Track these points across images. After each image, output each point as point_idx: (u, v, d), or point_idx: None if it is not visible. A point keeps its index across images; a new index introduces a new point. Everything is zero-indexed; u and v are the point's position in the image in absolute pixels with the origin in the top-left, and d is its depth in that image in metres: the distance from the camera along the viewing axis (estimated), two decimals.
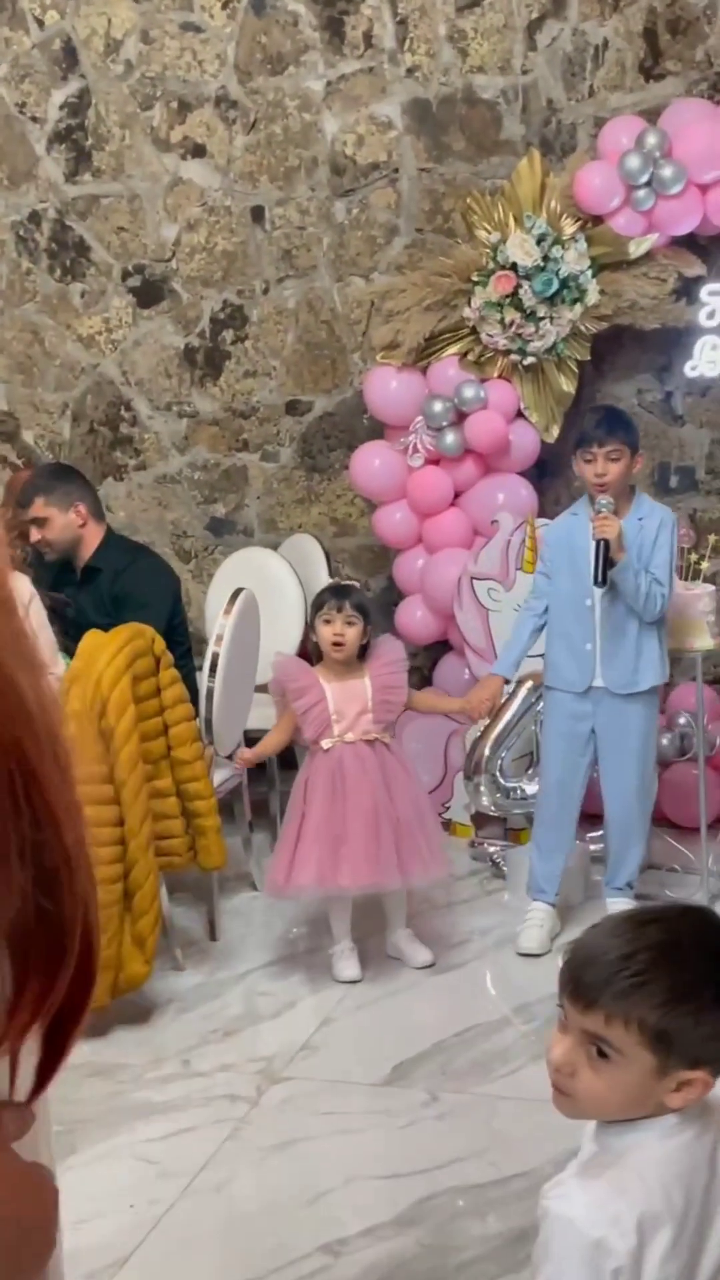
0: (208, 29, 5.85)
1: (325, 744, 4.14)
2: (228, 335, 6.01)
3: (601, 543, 4.10)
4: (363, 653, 4.23)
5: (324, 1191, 3.08)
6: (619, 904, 4.39)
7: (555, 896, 4.48)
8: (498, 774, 4.91)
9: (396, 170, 5.76)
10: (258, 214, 5.91)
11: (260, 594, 4.76)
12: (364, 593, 4.53)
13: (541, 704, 4.67)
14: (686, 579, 4.70)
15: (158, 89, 5.94)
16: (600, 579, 4.13)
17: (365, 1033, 3.89)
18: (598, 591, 4.24)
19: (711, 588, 4.70)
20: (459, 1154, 3.22)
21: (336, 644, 4.16)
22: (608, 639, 4.31)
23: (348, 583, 4.61)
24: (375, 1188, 3.10)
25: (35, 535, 4.56)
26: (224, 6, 5.81)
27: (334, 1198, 3.06)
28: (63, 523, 4.60)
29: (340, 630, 4.15)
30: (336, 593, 4.26)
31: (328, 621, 4.19)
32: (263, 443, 6.03)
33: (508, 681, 4.54)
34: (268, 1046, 3.78)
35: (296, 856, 4.08)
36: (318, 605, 4.27)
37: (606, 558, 4.10)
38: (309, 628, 4.44)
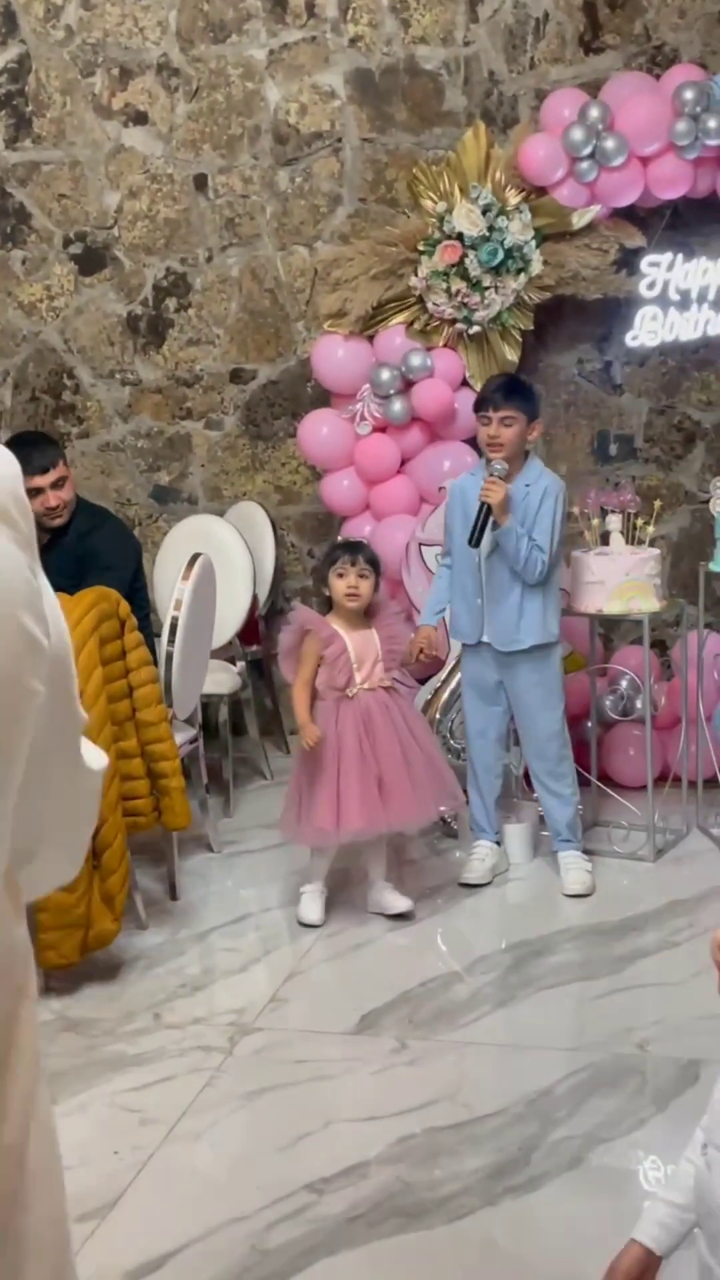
0: None
1: (351, 691, 4.27)
2: (171, 303, 6.05)
3: (484, 505, 4.30)
4: (369, 608, 4.38)
5: (304, 1134, 3.18)
6: (569, 856, 4.55)
7: (495, 835, 4.70)
8: (448, 735, 5.04)
9: (339, 140, 5.83)
10: (200, 182, 5.95)
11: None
12: (373, 549, 4.63)
13: None
14: (632, 543, 4.83)
15: (99, 55, 5.95)
16: (474, 540, 4.34)
17: (331, 985, 4.00)
18: (487, 546, 4.41)
19: (656, 551, 4.85)
20: (432, 1097, 3.33)
21: (351, 594, 4.32)
22: (492, 596, 4.48)
23: (359, 539, 4.72)
24: (354, 1130, 3.20)
25: (55, 499, 4.57)
26: None
27: (314, 1140, 3.15)
28: (70, 483, 4.67)
29: (354, 583, 4.32)
30: (349, 548, 4.45)
31: (341, 575, 4.35)
32: (206, 411, 6.08)
33: (433, 628, 4.66)
34: (237, 1000, 3.87)
35: (342, 801, 4.19)
36: (331, 559, 4.44)
37: (487, 520, 4.31)
38: (322, 582, 4.58)
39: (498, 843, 4.72)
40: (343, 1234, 2.81)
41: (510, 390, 4.46)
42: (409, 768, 4.28)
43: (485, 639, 4.54)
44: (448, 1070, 3.47)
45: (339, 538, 5.10)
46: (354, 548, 4.44)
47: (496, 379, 4.68)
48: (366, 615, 4.41)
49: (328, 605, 4.52)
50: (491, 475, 4.34)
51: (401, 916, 4.35)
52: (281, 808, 4.45)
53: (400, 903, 4.37)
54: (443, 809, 4.53)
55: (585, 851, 4.67)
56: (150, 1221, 2.87)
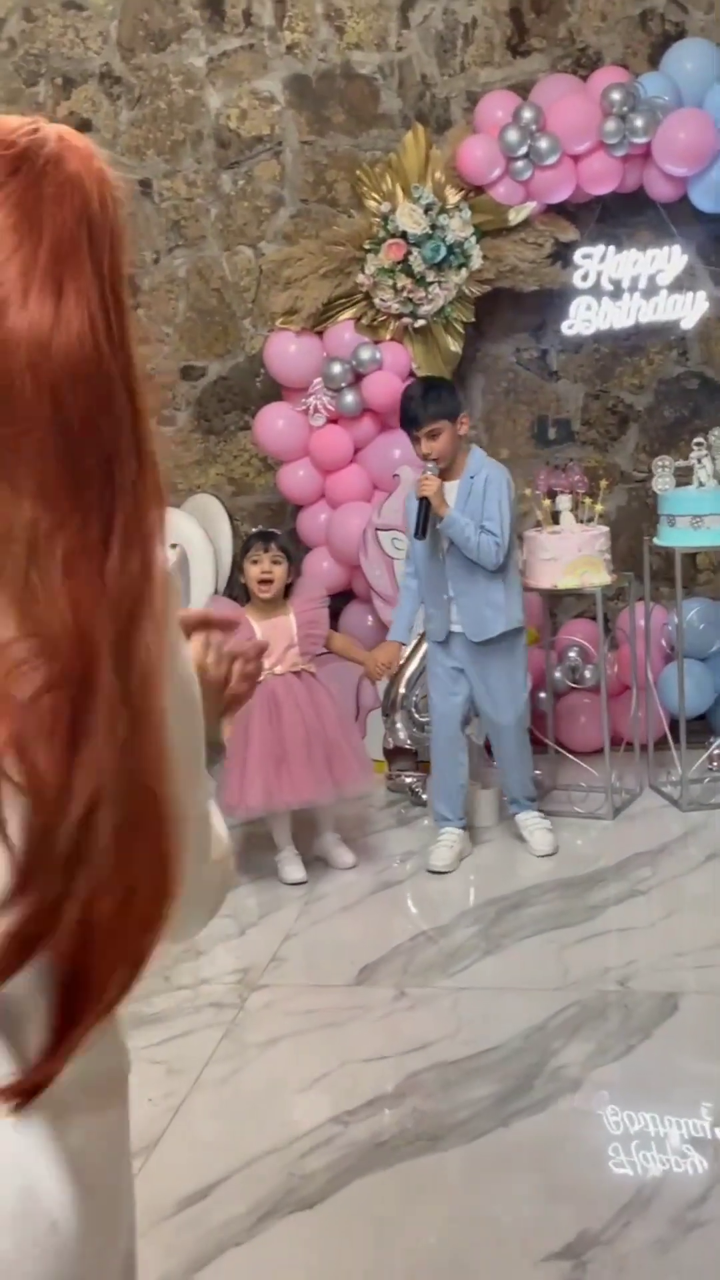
0: (90, 7, 6.06)
1: (259, 678, 4.49)
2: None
3: (423, 500, 4.53)
4: (286, 592, 4.63)
5: (321, 1075, 3.44)
6: (527, 817, 4.85)
7: (460, 820, 4.90)
8: (412, 710, 5.31)
9: (280, 143, 6.06)
10: (145, 186, 6.16)
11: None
12: (286, 537, 4.91)
13: None
14: (584, 521, 5.14)
15: (42, 66, 6.13)
16: (420, 532, 4.57)
17: (326, 944, 4.26)
18: (445, 542, 4.65)
19: (605, 528, 5.15)
20: (435, 1037, 3.60)
21: (264, 581, 4.60)
22: (459, 589, 4.71)
23: (271, 529, 4.96)
24: (367, 1068, 3.47)
25: None
26: None
27: (331, 1079, 3.42)
28: None
29: (268, 569, 4.59)
30: (263, 536, 4.73)
31: (255, 561, 4.62)
32: (159, 407, 6.29)
33: (402, 645, 4.94)
34: (240, 960, 4.13)
35: (245, 780, 4.46)
36: (246, 548, 4.71)
37: (428, 514, 4.54)
38: (237, 570, 4.81)
39: (464, 828, 4.90)
40: (372, 1157, 3.08)
41: (427, 401, 4.59)
42: (309, 749, 4.52)
43: (455, 629, 4.75)
44: (446, 1013, 3.75)
45: (231, 537, 5.41)
46: (267, 536, 4.73)
47: (412, 391, 4.73)
48: (285, 599, 4.66)
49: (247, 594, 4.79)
50: (426, 473, 4.56)
51: (350, 869, 4.74)
52: None
53: (345, 858, 4.75)
54: (351, 793, 4.71)
55: (545, 813, 4.97)
56: (192, 1157, 3.11)
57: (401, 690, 5.31)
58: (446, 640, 4.78)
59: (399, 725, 5.32)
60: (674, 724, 5.31)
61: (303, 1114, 3.28)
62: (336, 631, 5.15)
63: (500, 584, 4.68)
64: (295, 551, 4.86)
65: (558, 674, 5.55)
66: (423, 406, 4.60)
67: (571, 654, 5.55)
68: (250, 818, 4.67)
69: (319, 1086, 3.40)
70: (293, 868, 4.66)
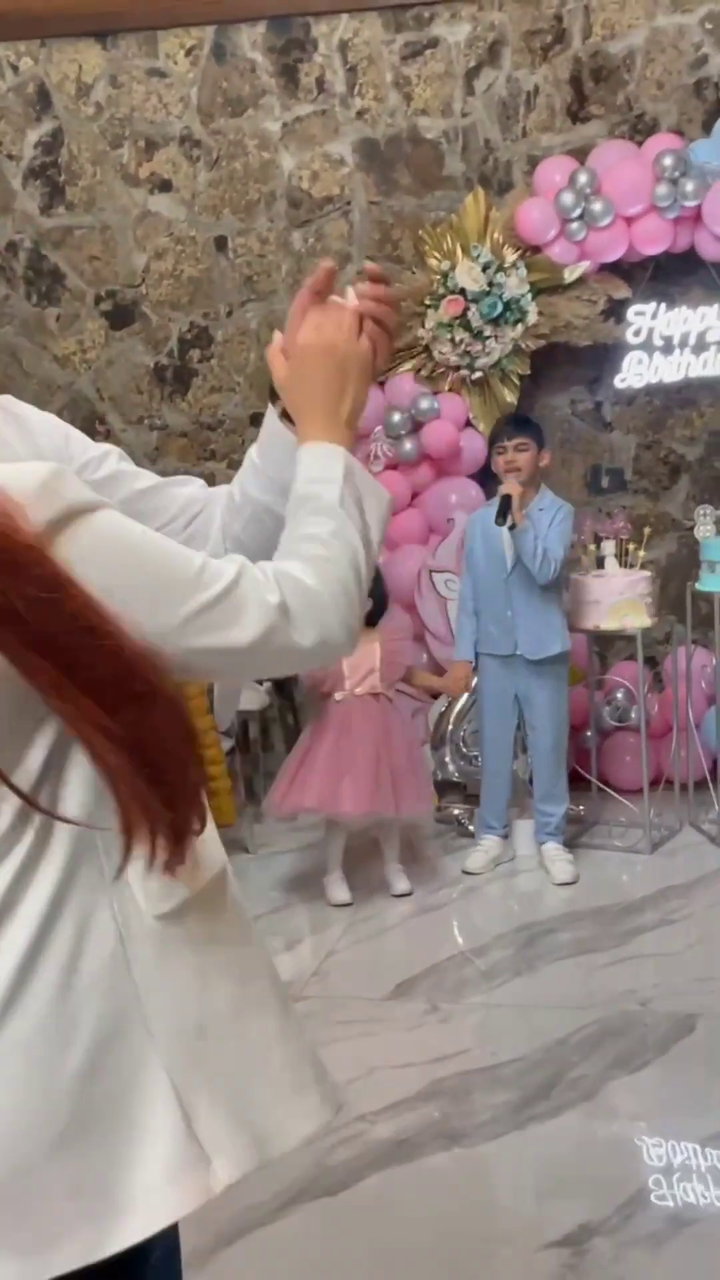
0: (172, 74, 6.41)
1: (337, 696, 4.79)
2: (195, 354, 6.56)
3: (506, 497, 4.84)
4: (374, 621, 4.86)
5: (352, 1079, 3.65)
6: (553, 849, 5.07)
7: (503, 830, 5.24)
8: (460, 744, 5.55)
9: (349, 203, 6.36)
10: (221, 243, 6.48)
11: None
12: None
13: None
14: (625, 566, 5.35)
15: (126, 129, 6.48)
16: (501, 519, 4.84)
17: (365, 961, 4.48)
18: (510, 565, 4.97)
19: (647, 573, 5.36)
20: (462, 1047, 3.82)
21: None
22: (520, 610, 4.99)
23: None
24: (395, 1074, 3.68)
25: None
26: (187, 54, 6.38)
27: (361, 1083, 3.63)
28: None
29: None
30: None
31: None
32: (229, 452, 6.59)
33: (471, 663, 5.19)
34: (284, 974, 4.26)
35: (297, 781, 4.73)
36: None
37: (508, 508, 4.83)
38: None
39: (505, 836, 5.24)
40: (392, 1153, 3.30)
41: (521, 423, 5.09)
42: (376, 766, 4.74)
43: (518, 650, 5.03)
44: (474, 1026, 3.96)
45: None
46: None
47: (507, 416, 5.28)
48: (372, 627, 4.92)
49: None
50: (510, 479, 4.91)
51: (404, 896, 4.95)
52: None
53: (401, 884, 4.97)
54: (408, 815, 4.93)
55: (587, 846, 5.19)
56: None
57: (450, 726, 5.54)
58: (511, 658, 5.04)
59: (448, 759, 5.56)
60: (715, 764, 5.48)
61: None
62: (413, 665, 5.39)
63: (556, 607, 4.99)
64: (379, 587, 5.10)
65: (606, 714, 5.75)
66: (518, 424, 5.07)
67: (618, 695, 5.75)
68: (305, 814, 4.90)
69: (348, 1089, 3.60)
70: (338, 889, 4.90)
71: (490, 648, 5.11)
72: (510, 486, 4.88)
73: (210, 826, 1.49)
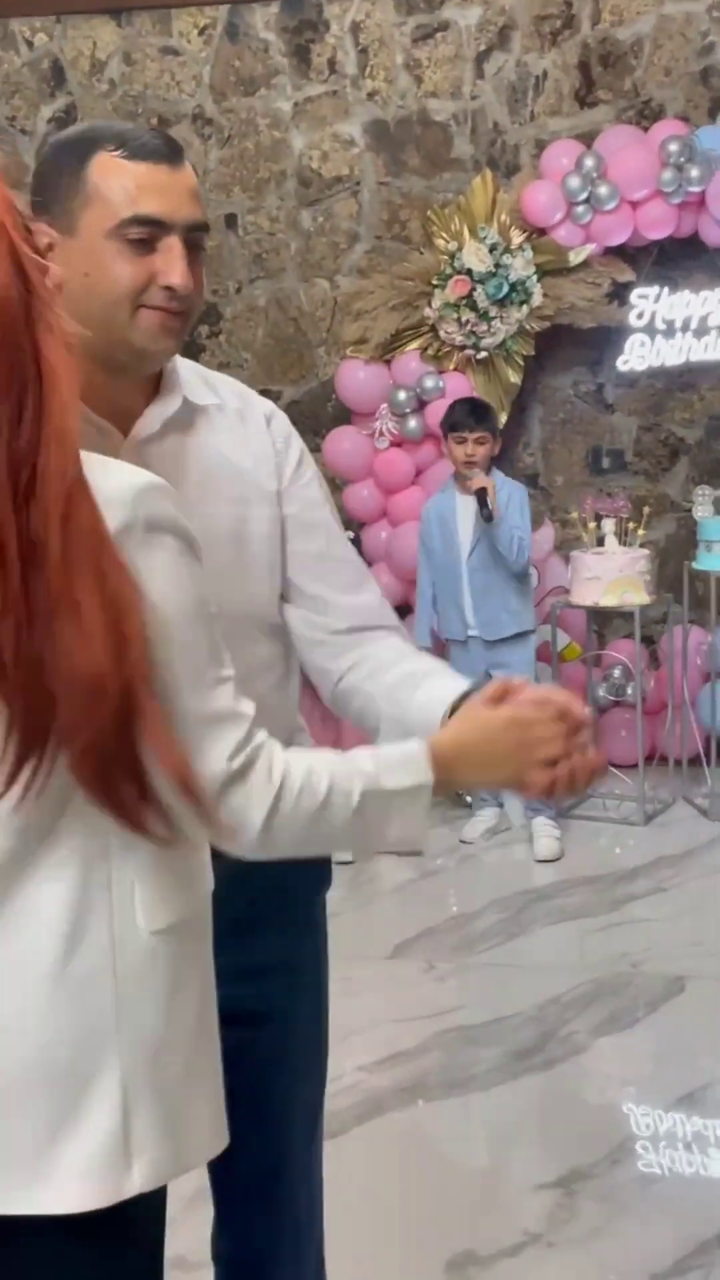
0: (185, 52, 6.51)
1: None
2: (203, 330, 6.66)
3: (480, 490, 4.93)
4: None
5: (352, 1032, 3.74)
6: (541, 823, 5.19)
7: (496, 802, 5.38)
8: None
9: (358, 183, 6.46)
10: (231, 221, 6.58)
11: None
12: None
13: None
14: (624, 544, 5.48)
15: (139, 106, 6.58)
16: (486, 516, 4.93)
17: (366, 923, 4.61)
18: (467, 549, 5.05)
19: (646, 552, 5.49)
20: (457, 1004, 3.96)
21: None
22: (475, 593, 5.09)
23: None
24: (396, 1028, 3.82)
25: None
26: (200, 33, 6.47)
27: (361, 1037, 3.75)
28: None
29: None
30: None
31: None
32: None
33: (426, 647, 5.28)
34: None
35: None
36: None
37: (484, 502, 4.93)
38: None
39: (500, 806, 5.39)
40: (390, 1100, 3.44)
41: (481, 414, 5.10)
42: (364, 742, 4.85)
43: (473, 633, 5.13)
44: (471, 984, 4.10)
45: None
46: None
47: (463, 404, 5.23)
48: None
49: None
50: (470, 476, 4.99)
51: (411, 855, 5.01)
52: None
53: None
54: None
55: (584, 818, 5.32)
56: None
57: None
58: (465, 642, 5.15)
59: None
60: (708, 741, 5.61)
61: (332, 1063, 3.61)
62: None
63: (514, 590, 5.09)
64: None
65: (601, 690, 5.87)
66: (477, 417, 5.08)
67: (616, 672, 5.87)
68: None
69: (349, 1041, 3.69)
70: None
71: (451, 633, 5.19)
72: (482, 480, 4.95)
73: (204, 849, 1.54)
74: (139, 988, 1.48)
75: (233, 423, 1.80)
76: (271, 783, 1.46)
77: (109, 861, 1.44)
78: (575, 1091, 3.49)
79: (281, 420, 1.86)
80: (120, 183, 1.63)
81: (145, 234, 1.62)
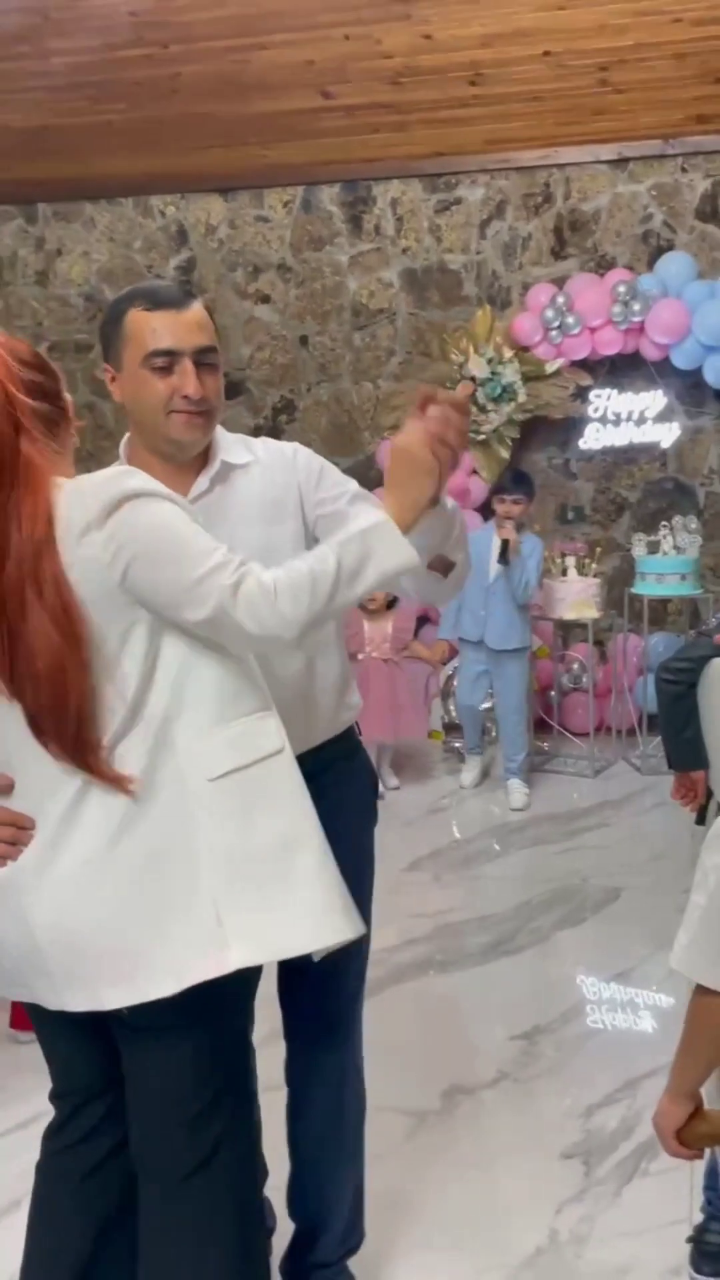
0: (273, 220, 6.50)
1: (360, 656, 4.92)
2: (283, 419, 6.66)
3: (504, 541, 4.83)
4: (392, 604, 4.99)
5: (381, 924, 3.63)
6: (513, 783, 5.07)
7: (480, 750, 5.29)
8: (448, 708, 5.62)
9: (395, 314, 6.43)
10: (303, 340, 6.57)
11: None
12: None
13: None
14: (581, 574, 5.42)
15: (239, 258, 6.58)
16: (503, 559, 4.85)
17: (390, 844, 4.39)
18: (491, 577, 4.92)
19: (598, 580, 5.43)
20: (455, 905, 3.92)
21: (368, 603, 4.95)
22: (491, 611, 4.97)
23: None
24: (409, 921, 3.79)
25: None
26: (284, 205, 6.46)
27: (387, 927, 3.63)
28: None
29: (375, 594, 4.93)
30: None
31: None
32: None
33: (448, 642, 5.25)
34: None
35: None
36: None
37: (505, 550, 4.83)
38: None
39: (482, 754, 5.31)
40: (408, 973, 3.42)
41: (520, 481, 4.99)
42: (381, 702, 4.87)
43: (485, 641, 5.03)
44: (465, 892, 4.06)
45: None
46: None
47: (509, 473, 5.16)
48: (389, 610, 5.06)
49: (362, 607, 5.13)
50: (502, 526, 4.87)
51: (395, 790, 5.15)
52: None
53: (392, 781, 5.14)
54: (403, 735, 5.15)
55: (549, 771, 5.25)
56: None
57: (455, 682, 5.62)
58: (479, 643, 5.03)
59: (451, 707, 5.64)
60: (641, 716, 5.55)
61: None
62: (414, 639, 5.48)
63: (519, 615, 4.99)
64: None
65: (565, 679, 5.82)
66: (518, 482, 4.98)
67: (575, 666, 5.82)
68: None
69: (379, 930, 3.61)
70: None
71: (467, 634, 5.09)
72: (507, 533, 4.82)
73: (273, 719, 1.52)
74: (212, 820, 1.46)
75: (264, 469, 1.80)
76: (262, 582, 1.43)
77: (169, 737, 1.45)
78: (539, 969, 3.46)
79: (305, 453, 1.84)
80: (144, 329, 1.67)
81: (164, 362, 1.66)
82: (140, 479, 1.44)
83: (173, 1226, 1.58)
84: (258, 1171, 1.80)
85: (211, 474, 1.77)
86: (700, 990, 1.43)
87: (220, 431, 1.79)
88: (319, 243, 6.46)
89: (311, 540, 1.78)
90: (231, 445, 1.81)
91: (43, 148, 6.09)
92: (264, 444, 1.87)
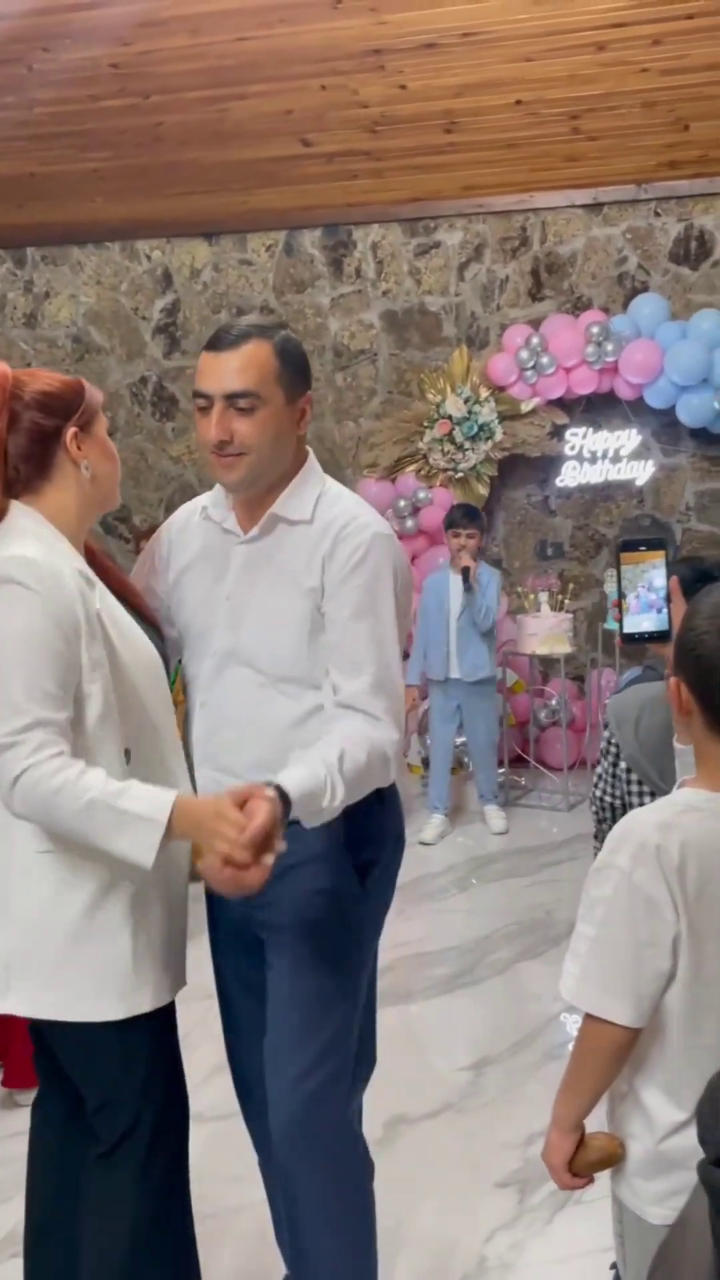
0: (256, 263, 6.62)
1: None
2: None
3: (464, 569, 4.85)
4: None
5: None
6: (492, 808, 5.10)
7: (445, 810, 5.13)
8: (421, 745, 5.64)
9: (375, 354, 6.53)
10: None
11: None
12: None
13: None
14: (556, 610, 5.47)
15: (223, 300, 6.70)
16: (468, 586, 4.86)
17: None
18: (454, 614, 4.92)
19: (570, 615, 5.48)
20: (417, 937, 3.93)
21: None
22: (460, 645, 4.97)
23: None
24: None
25: None
26: (267, 249, 6.59)
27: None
28: None
29: None
30: None
31: None
32: None
33: (416, 687, 5.13)
34: None
35: None
36: None
37: (467, 578, 4.85)
38: None
39: (446, 815, 5.14)
40: None
41: (471, 515, 5.01)
42: None
43: (453, 675, 4.99)
44: (429, 923, 4.07)
45: None
46: None
47: (459, 508, 5.16)
48: None
49: None
50: (460, 557, 4.90)
51: None
52: None
53: None
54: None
55: (525, 806, 5.27)
56: None
57: (429, 721, 5.66)
58: (446, 682, 5.05)
59: (426, 743, 5.67)
60: None
61: None
62: None
63: (485, 644, 5.01)
64: None
65: (541, 714, 5.86)
66: (470, 516, 4.99)
67: (552, 701, 5.86)
68: None
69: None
70: None
71: (434, 674, 5.06)
72: (466, 561, 4.86)
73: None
74: (23, 886, 1.60)
75: (307, 534, 1.72)
76: (26, 761, 1.49)
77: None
78: (494, 1001, 3.47)
79: (352, 541, 1.70)
80: (198, 368, 1.74)
81: (204, 403, 1.71)
82: (21, 561, 1.56)
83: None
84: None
85: (260, 523, 1.75)
86: (589, 1019, 1.46)
87: (304, 476, 1.75)
88: (301, 285, 6.57)
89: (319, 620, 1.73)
90: (295, 497, 1.75)
91: (31, 194, 6.24)
92: (337, 505, 1.76)
